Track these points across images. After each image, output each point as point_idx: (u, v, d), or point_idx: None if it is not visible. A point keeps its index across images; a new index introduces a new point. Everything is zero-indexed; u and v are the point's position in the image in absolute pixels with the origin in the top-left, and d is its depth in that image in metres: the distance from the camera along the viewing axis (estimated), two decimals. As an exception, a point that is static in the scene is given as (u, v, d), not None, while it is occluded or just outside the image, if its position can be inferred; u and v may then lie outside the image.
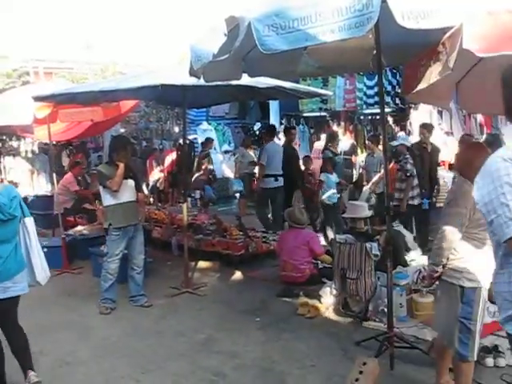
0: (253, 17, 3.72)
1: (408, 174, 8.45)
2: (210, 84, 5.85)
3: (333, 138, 10.52)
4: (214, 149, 16.01)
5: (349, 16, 3.30)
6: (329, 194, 9.22)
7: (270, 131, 10.52)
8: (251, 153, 13.13)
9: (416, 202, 8.59)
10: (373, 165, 9.89)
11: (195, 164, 13.65)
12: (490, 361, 4.71)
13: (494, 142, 7.60)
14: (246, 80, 6.10)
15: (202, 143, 14.69)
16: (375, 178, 9.47)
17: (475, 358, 3.94)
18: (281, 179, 9.90)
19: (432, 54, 3.23)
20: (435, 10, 3.24)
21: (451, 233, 3.82)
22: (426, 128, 9.16)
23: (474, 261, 3.83)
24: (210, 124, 16.45)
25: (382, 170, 8.14)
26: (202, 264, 8.53)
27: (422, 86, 3.26)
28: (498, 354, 4.77)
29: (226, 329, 5.86)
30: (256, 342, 5.48)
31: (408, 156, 8.59)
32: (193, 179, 13.60)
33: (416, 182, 8.57)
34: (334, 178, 9.54)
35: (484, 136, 11.72)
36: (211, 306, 6.67)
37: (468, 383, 3.99)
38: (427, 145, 9.07)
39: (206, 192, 13.84)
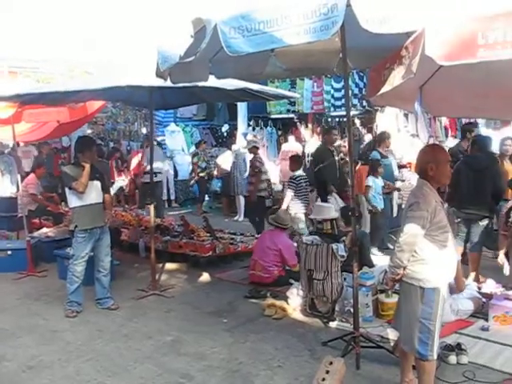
0: (219, 19, 3.74)
1: None
2: (177, 85, 5.83)
3: (383, 139, 9.74)
4: (182, 150, 16.00)
5: (314, 19, 3.34)
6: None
7: None
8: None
9: None
10: None
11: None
12: (452, 358, 4.81)
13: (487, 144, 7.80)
14: (213, 82, 6.11)
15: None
16: None
17: (435, 357, 4.01)
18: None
19: (396, 57, 3.28)
20: (398, 15, 3.30)
21: (413, 235, 3.86)
22: None
23: (433, 262, 3.90)
24: (177, 125, 16.38)
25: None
26: (170, 266, 8.48)
27: (385, 89, 3.31)
28: (461, 351, 4.87)
29: (193, 331, 5.84)
30: (223, 344, 5.48)
31: None
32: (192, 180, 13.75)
33: None
34: (380, 182, 9.06)
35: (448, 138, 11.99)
36: (178, 307, 6.64)
37: (431, 381, 4.05)
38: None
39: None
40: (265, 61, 5.78)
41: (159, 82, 5.32)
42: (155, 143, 11.90)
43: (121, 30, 28.27)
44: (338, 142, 9.98)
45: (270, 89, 8.64)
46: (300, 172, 8.95)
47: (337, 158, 9.44)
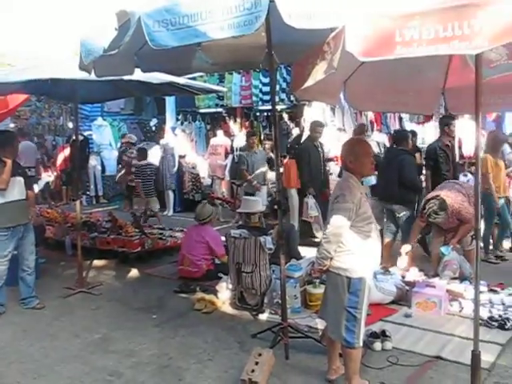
0: (143, 11, 3.70)
1: None
2: (103, 79, 5.73)
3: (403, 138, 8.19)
4: (110, 145, 15.73)
5: (238, 14, 3.36)
6: None
7: None
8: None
9: None
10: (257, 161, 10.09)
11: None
12: (378, 345, 4.97)
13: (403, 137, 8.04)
14: (139, 75, 6.03)
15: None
16: None
17: (361, 344, 4.14)
18: None
19: (318, 52, 3.34)
20: (322, 11, 3.36)
21: (339, 227, 3.96)
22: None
23: (359, 253, 4.02)
24: (105, 120, 16.08)
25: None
26: (98, 263, 8.35)
27: (308, 83, 3.37)
28: (386, 338, 5.05)
29: (122, 327, 5.77)
30: (153, 340, 5.44)
31: None
32: (117, 177, 13.60)
33: None
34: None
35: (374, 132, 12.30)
36: (107, 305, 6.55)
37: (357, 367, 4.18)
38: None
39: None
40: (191, 55, 5.77)
41: (84, 75, 5.20)
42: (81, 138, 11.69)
43: (43, 21, 27.38)
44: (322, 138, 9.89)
45: (196, 83, 8.59)
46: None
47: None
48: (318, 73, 3.22)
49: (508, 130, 12.00)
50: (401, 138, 8.08)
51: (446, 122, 8.02)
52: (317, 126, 9.43)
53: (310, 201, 9.02)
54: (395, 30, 2.80)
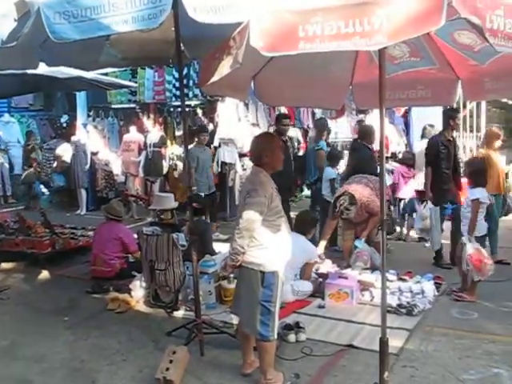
0: (42, 2, 3.56)
1: None
2: (4, 72, 5.49)
3: (366, 133, 8.38)
4: (18, 142, 15.13)
5: (142, 7, 3.31)
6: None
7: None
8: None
9: None
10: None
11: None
12: (292, 337, 5.04)
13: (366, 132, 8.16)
14: (45, 69, 5.83)
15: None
16: None
17: (276, 337, 4.18)
18: None
19: (225, 47, 3.33)
20: (227, 6, 3.36)
21: (253, 222, 3.95)
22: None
23: (271, 247, 4.05)
24: (12, 116, 15.42)
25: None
26: (5, 265, 8.02)
27: (214, 78, 3.35)
28: (299, 329, 5.13)
29: (31, 332, 5.54)
30: (64, 343, 5.27)
31: None
32: (24, 174, 13.18)
33: None
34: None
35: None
36: (15, 309, 6.29)
37: (272, 360, 4.22)
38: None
39: (36, 187, 13.47)
40: (99, 49, 5.63)
41: (-18, 69, 4.97)
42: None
43: None
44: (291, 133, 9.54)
45: (106, 78, 8.41)
46: None
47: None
48: (224, 68, 3.22)
49: (415, 125, 12.48)
50: (364, 132, 8.18)
51: (450, 115, 7.38)
52: (282, 118, 8.70)
53: None
54: (298, 25, 2.83)
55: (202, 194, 9.03)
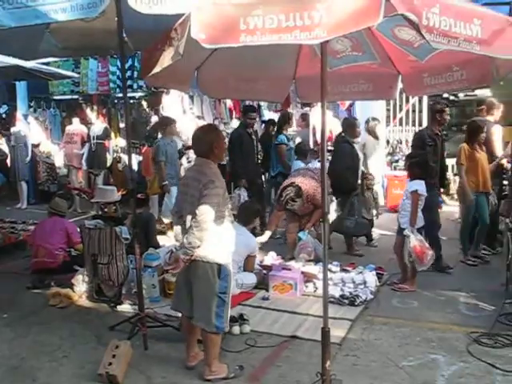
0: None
1: None
2: None
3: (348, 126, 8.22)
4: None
5: (81, -4, 3.23)
6: None
7: None
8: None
9: None
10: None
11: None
12: (236, 329, 5.07)
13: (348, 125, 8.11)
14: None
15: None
16: None
17: (228, 328, 4.20)
18: None
19: (166, 39, 3.30)
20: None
21: (209, 213, 3.90)
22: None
23: (224, 237, 4.07)
24: None
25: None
26: None
27: (156, 70, 3.32)
28: (244, 321, 5.17)
29: (-33, 331, 5.38)
30: (3, 340, 5.12)
31: None
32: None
33: None
34: None
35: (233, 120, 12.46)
36: (-51, 310, 6.07)
37: (217, 352, 4.24)
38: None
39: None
40: (39, 37, 5.47)
41: None
42: None
43: None
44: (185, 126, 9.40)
45: (47, 68, 8.17)
46: None
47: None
48: (166, 59, 3.19)
49: (359, 118, 12.63)
50: (346, 126, 8.14)
51: (437, 109, 7.18)
52: (249, 112, 8.74)
53: (243, 193, 8.46)
54: (239, 18, 2.83)
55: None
